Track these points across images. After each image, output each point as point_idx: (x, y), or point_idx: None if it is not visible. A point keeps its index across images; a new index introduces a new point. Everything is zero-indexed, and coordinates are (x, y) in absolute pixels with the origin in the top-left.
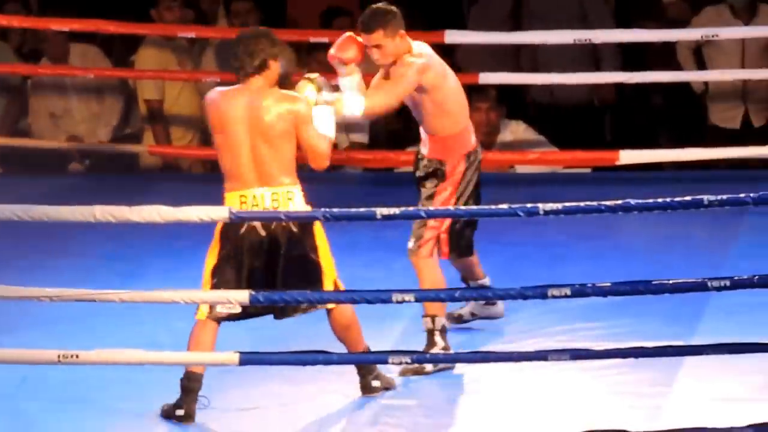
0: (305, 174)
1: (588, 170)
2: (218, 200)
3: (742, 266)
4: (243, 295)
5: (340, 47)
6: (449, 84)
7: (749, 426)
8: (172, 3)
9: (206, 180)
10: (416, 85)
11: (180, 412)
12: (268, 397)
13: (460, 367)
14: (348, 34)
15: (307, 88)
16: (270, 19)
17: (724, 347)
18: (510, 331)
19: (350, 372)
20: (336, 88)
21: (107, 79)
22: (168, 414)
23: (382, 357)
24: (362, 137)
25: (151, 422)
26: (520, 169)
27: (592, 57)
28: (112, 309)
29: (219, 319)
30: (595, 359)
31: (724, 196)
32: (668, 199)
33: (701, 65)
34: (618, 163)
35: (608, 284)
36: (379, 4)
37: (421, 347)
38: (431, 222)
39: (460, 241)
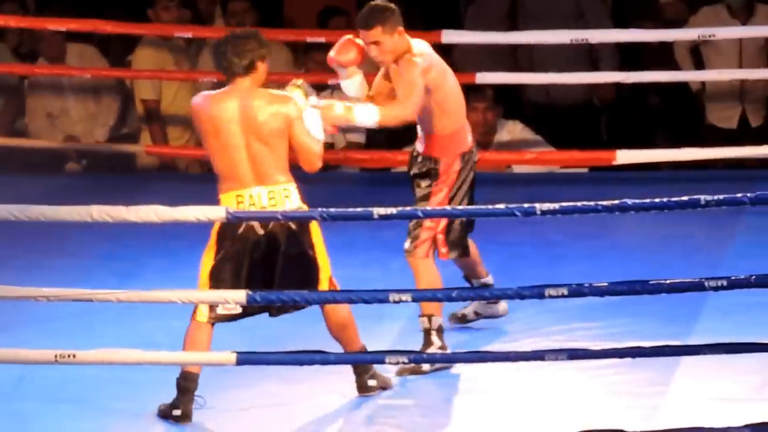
0: (303, 174)
1: (585, 170)
2: (215, 200)
3: (740, 266)
4: (240, 295)
5: (340, 50)
6: (449, 83)
7: (746, 426)
8: (169, 3)
9: (203, 180)
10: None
11: (177, 412)
12: (265, 397)
13: (457, 367)
14: (347, 37)
15: (295, 94)
16: (267, 19)
17: (721, 347)
18: (507, 330)
19: (347, 372)
20: (334, 91)
21: (104, 79)
22: (165, 414)
23: (380, 357)
24: (359, 137)
25: (148, 422)
26: (517, 168)
27: (588, 57)
28: (109, 309)
29: (220, 321)
30: (593, 359)
31: (722, 196)
32: (665, 199)
33: (698, 65)
34: (615, 162)
35: (605, 284)
36: (378, 1)
37: (418, 347)
38: (427, 222)
39: (461, 241)
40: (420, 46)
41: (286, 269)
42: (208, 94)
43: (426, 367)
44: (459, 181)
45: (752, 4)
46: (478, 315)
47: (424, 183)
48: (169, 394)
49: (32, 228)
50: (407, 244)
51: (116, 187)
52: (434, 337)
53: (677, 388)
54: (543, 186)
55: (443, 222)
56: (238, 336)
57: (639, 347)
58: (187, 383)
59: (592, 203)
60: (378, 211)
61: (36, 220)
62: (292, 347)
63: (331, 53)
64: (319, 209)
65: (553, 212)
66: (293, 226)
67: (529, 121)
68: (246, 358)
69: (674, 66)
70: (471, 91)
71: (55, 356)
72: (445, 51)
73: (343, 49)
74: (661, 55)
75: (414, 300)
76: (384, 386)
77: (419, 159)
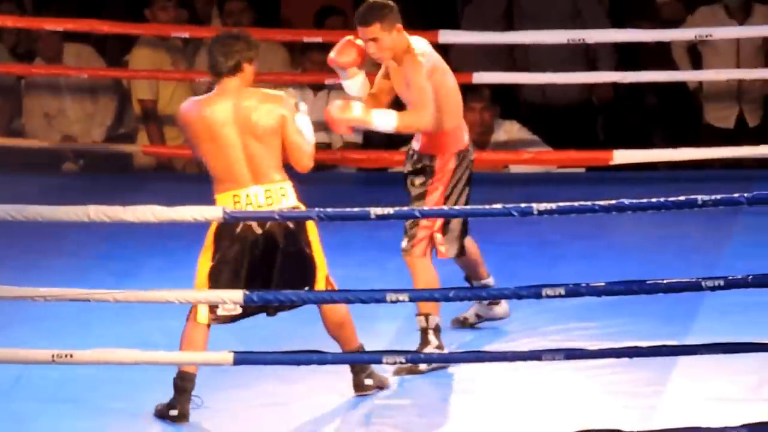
0: (300, 174)
1: (582, 170)
2: (212, 200)
3: (737, 266)
4: (237, 295)
5: (340, 51)
6: (449, 82)
7: (743, 426)
8: (166, 3)
9: (200, 180)
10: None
11: (174, 412)
12: (262, 397)
13: (454, 367)
14: (348, 38)
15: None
16: (263, 19)
17: (718, 347)
18: (504, 330)
19: (344, 371)
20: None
21: (101, 79)
22: (162, 414)
23: (377, 357)
24: (356, 137)
25: (144, 422)
26: (514, 168)
27: (585, 57)
28: (107, 308)
29: (221, 323)
30: (590, 359)
31: (719, 196)
32: (662, 199)
33: (696, 65)
34: (612, 162)
35: (602, 284)
36: None
37: (415, 347)
38: (423, 221)
39: (461, 239)
40: (419, 44)
41: (284, 268)
42: (197, 99)
43: (423, 366)
44: (454, 179)
45: (749, 4)
46: (479, 318)
47: (418, 181)
48: (166, 394)
49: (29, 228)
50: (404, 243)
51: (113, 187)
52: (431, 337)
53: (674, 388)
54: (540, 186)
55: (440, 221)
56: (235, 336)
57: (636, 347)
58: (184, 383)
59: (589, 203)
60: (375, 211)
61: (33, 220)
62: (289, 347)
63: (332, 54)
64: (316, 209)
65: (550, 212)
66: (291, 225)
67: (526, 121)
68: (243, 358)
69: (671, 66)
70: (468, 91)
71: (53, 356)
72: (442, 51)
73: (344, 51)
74: (658, 55)
75: (411, 300)
76: (381, 386)
77: (415, 156)
